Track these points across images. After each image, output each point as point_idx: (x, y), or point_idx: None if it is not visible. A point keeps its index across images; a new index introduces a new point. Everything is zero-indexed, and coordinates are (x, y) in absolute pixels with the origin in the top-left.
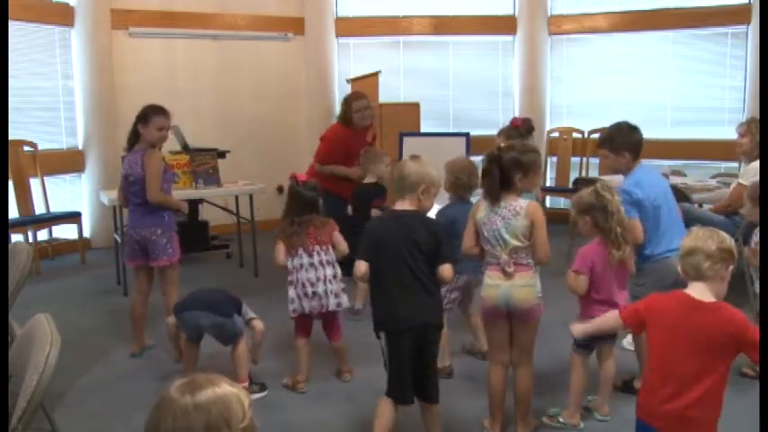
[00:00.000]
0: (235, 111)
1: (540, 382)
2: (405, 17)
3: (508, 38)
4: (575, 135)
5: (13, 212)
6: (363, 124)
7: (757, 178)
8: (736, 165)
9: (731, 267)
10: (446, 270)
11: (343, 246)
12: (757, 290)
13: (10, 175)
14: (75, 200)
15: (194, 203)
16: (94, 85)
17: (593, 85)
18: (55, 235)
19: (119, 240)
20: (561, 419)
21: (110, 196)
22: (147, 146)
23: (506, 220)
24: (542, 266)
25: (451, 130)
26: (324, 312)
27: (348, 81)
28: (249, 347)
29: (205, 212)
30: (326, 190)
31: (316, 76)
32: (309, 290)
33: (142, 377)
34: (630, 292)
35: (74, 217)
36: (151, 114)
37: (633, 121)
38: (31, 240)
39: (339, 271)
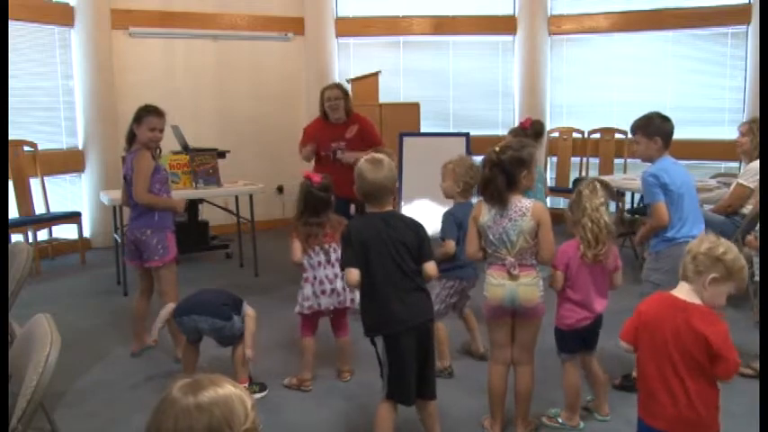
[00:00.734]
0: (235, 111)
1: (540, 381)
2: (405, 17)
3: (508, 38)
4: (575, 135)
5: (13, 212)
6: (336, 116)
7: (757, 178)
8: (736, 165)
9: (723, 283)
10: (430, 268)
11: None
12: (757, 272)
13: (10, 175)
14: (75, 200)
15: (194, 203)
16: (94, 85)
17: (593, 85)
18: (55, 235)
19: (119, 240)
20: (560, 420)
21: (110, 196)
22: (140, 146)
23: (513, 221)
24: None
25: (451, 130)
26: (336, 308)
27: (348, 81)
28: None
29: (205, 212)
30: None
31: (316, 76)
32: (328, 287)
33: (142, 377)
34: (647, 278)
35: (74, 217)
36: (143, 114)
37: (632, 121)
38: (31, 240)
39: None
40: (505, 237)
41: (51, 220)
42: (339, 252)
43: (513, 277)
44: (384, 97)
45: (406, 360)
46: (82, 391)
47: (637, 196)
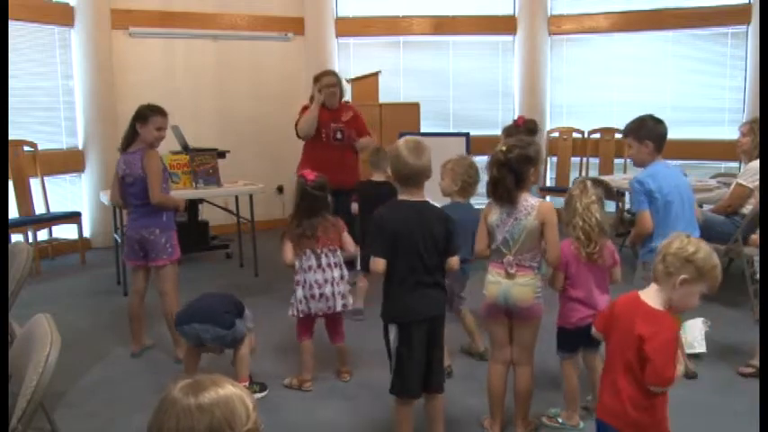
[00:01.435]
0: (235, 111)
1: (540, 382)
2: (405, 17)
3: (508, 38)
4: (575, 135)
5: (13, 212)
6: (331, 103)
7: (757, 177)
8: (736, 165)
9: (694, 284)
10: (454, 261)
11: (352, 248)
12: (757, 272)
13: (10, 175)
14: (75, 200)
15: (194, 203)
16: (94, 85)
17: (593, 85)
18: (55, 235)
19: (119, 240)
20: (560, 420)
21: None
22: (145, 146)
23: (518, 220)
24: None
25: (451, 130)
26: (329, 313)
27: (348, 81)
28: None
29: (205, 212)
30: None
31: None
32: (317, 291)
33: (142, 377)
34: (636, 285)
35: (74, 217)
36: (150, 114)
37: None
38: (31, 240)
39: (346, 272)
40: (509, 236)
41: (51, 220)
42: (330, 257)
43: (509, 276)
44: (384, 97)
45: (416, 351)
46: (82, 391)
47: None
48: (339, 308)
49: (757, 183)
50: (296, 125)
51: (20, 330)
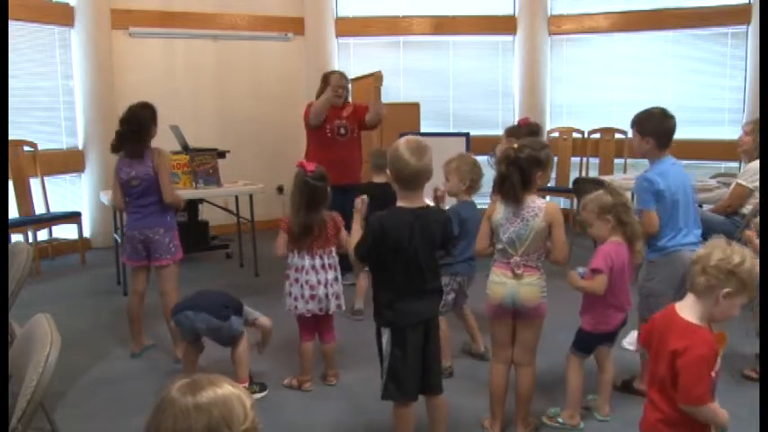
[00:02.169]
0: (235, 111)
1: (541, 381)
2: (405, 17)
3: (508, 38)
4: (575, 135)
5: (13, 212)
6: (336, 102)
7: (756, 177)
8: (736, 165)
9: (737, 296)
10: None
11: (349, 248)
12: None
13: (10, 175)
14: (75, 200)
15: (194, 203)
16: (94, 85)
17: (593, 85)
18: (55, 235)
19: (119, 240)
20: (561, 420)
21: (110, 196)
22: (153, 147)
23: (526, 221)
24: (560, 267)
25: (451, 130)
26: (320, 314)
27: (349, 81)
28: (253, 344)
29: (205, 212)
30: None
31: (316, 76)
32: (308, 292)
33: (142, 377)
34: (639, 291)
35: (74, 217)
36: (155, 112)
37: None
38: (31, 240)
39: (340, 273)
40: (515, 236)
41: (51, 220)
42: (325, 258)
43: (515, 276)
44: (384, 97)
45: (410, 353)
46: (82, 391)
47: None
48: (332, 309)
49: (757, 183)
50: (305, 116)
51: (20, 330)
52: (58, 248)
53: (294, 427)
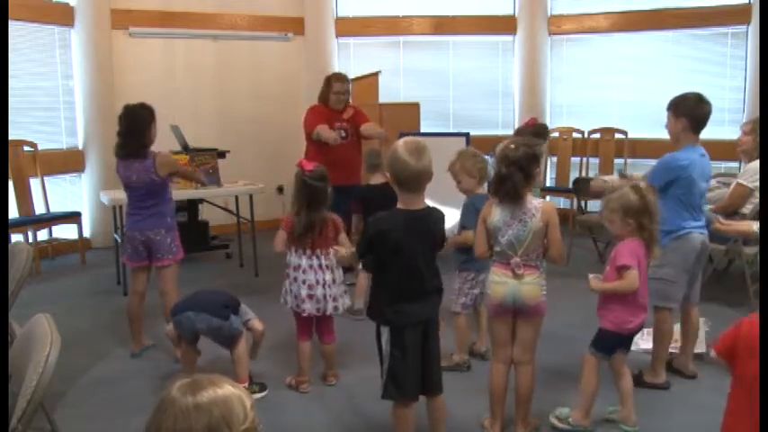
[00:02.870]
0: (234, 111)
1: (545, 382)
2: (405, 17)
3: (508, 38)
4: (575, 135)
5: (13, 212)
6: (336, 107)
7: (756, 177)
8: (736, 165)
9: None
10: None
11: (349, 248)
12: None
13: (10, 175)
14: (75, 200)
15: (194, 203)
16: (94, 85)
17: (593, 85)
18: (55, 235)
19: (119, 240)
20: (571, 421)
21: (110, 196)
22: (153, 151)
23: (524, 222)
24: (556, 265)
25: (451, 130)
26: (318, 315)
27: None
28: (248, 346)
29: (205, 212)
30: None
31: (315, 76)
32: (306, 291)
33: (142, 377)
34: (653, 275)
35: (74, 217)
36: (153, 112)
37: (632, 121)
38: (31, 240)
39: (339, 274)
40: (514, 239)
41: (51, 220)
42: (323, 259)
43: (516, 276)
44: (384, 97)
45: (410, 353)
46: (82, 391)
47: None
48: (330, 311)
49: (757, 183)
50: (306, 123)
51: (20, 330)
52: (58, 248)
53: (294, 427)
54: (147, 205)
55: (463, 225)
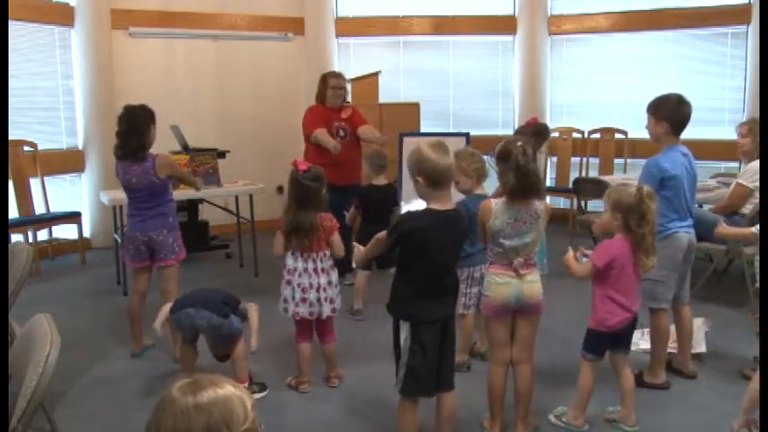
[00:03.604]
0: (234, 111)
1: (544, 382)
2: (405, 17)
3: (508, 38)
4: (575, 135)
5: (13, 212)
6: (335, 103)
7: (756, 177)
8: (736, 165)
9: None
10: None
11: (341, 249)
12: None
13: (10, 175)
14: (75, 200)
15: (194, 203)
16: (94, 85)
17: (593, 85)
18: (55, 235)
19: (119, 240)
20: (564, 419)
21: (110, 196)
22: (153, 152)
23: (529, 224)
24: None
25: (451, 130)
26: (312, 318)
27: (348, 81)
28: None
29: (205, 212)
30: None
31: (316, 76)
32: (299, 295)
33: (142, 377)
34: (645, 276)
35: (74, 217)
36: (153, 114)
37: (632, 121)
38: (31, 240)
39: (334, 277)
40: (518, 240)
41: (51, 220)
42: (318, 262)
43: (518, 275)
44: (384, 97)
45: (429, 350)
46: (82, 391)
47: None
48: (326, 314)
49: (757, 183)
50: (305, 124)
51: (20, 330)
52: (58, 248)
53: (294, 427)
54: (148, 206)
55: None
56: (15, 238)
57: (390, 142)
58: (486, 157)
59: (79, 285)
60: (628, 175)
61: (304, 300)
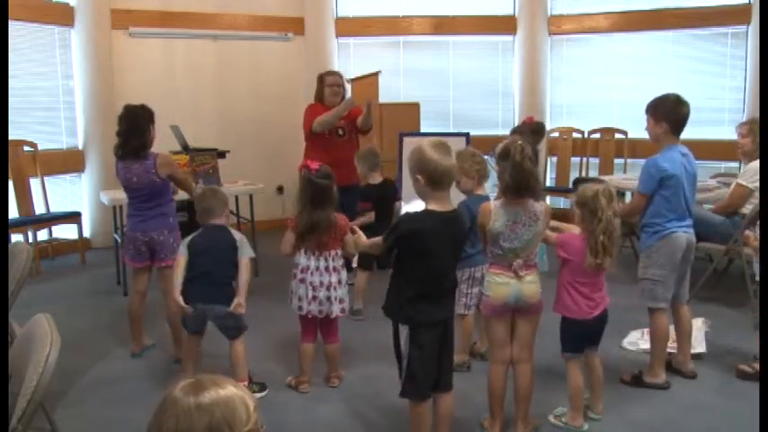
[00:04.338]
0: (234, 111)
1: (544, 382)
2: (405, 17)
3: (508, 38)
4: (575, 135)
5: (13, 212)
6: (333, 101)
7: (757, 178)
8: (736, 165)
9: None
10: None
11: (353, 249)
12: (757, 273)
13: (10, 175)
14: (75, 200)
15: (194, 204)
16: (94, 85)
17: (593, 85)
18: (55, 235)
19: (119, 240)
20: (564, 420)
21: (110, 196)
22: (154, 152)
23: (528, 226)
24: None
25: (451, 130)
26: (322, 317)
27: (348, 81)
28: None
29: None
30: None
31: (315, 76)
32: (310, 293)
33: (142, 377)
34: (643, 276)
35: (74, 217)
36: (152, 114)
37: (632, 121)
38: (31, 240)
39: (344, 276)
40: (518, 242)
41: (51, 220)
42: (330, 261)
43: (518, 276)
44: (384, 97)
45: (428, 352)
46: (82, 391)
47: None
48: (335, 313)
49: (757, 183)
50: (305, 122)
51: (20, 330)
52: (58, 248)
53: (294, 427)
54: (149, 206)
55: None
56: (15, 238)
57: (390, 142)
58: (486, 157)
59: (79, 285)
60: (628, 175)
61: (314, 298)
